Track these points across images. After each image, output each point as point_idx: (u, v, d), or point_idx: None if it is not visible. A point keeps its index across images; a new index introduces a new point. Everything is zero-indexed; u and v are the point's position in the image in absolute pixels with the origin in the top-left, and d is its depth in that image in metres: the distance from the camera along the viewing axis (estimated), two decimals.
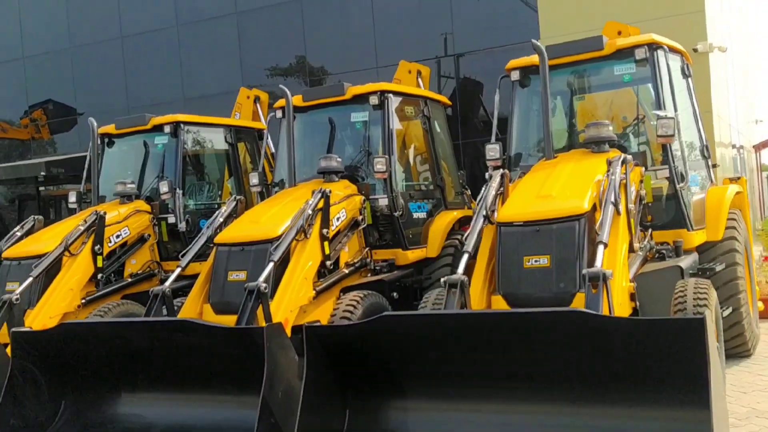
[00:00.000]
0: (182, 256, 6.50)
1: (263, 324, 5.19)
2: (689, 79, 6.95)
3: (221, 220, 6.79)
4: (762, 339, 6.96)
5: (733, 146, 14.37)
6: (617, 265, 4.71)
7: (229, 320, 5.34)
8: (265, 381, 4.19)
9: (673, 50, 6.64)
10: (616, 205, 4.82)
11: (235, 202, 7.05)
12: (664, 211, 6.20)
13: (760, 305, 7.60)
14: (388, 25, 13.24)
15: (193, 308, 6.03)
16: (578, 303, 4.56)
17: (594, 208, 5.00)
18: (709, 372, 3.22)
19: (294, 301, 5.77)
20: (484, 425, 3.99)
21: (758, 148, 21.14)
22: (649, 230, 5.88)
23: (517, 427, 3.91)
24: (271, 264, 5.56)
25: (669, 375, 3.44)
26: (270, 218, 6.29)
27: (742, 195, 7.20)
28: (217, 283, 6.07)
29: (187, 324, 4.88)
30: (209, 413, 4.69)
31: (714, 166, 7.23)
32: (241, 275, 5.91)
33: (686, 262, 5.74)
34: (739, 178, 7.54)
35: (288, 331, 5.51)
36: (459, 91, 12.38)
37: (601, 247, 4.47)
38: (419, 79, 9.86)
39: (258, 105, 11.03)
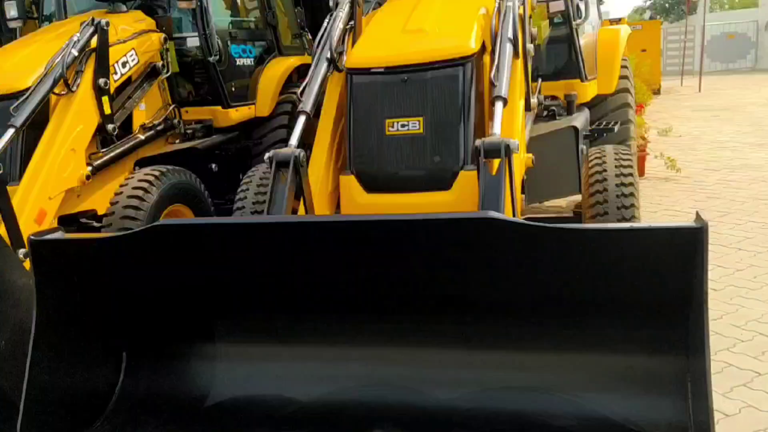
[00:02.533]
0: None
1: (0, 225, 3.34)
2: None
3: None
4: None
5: None
6: (516, 131, 3.24)
7: None
8: None
9: None
10: (514, 44, 3.27)
11: None
12: (553, 58, 4.76)
13: None
14: None
15: None
16: (464, 184, 3.08)
17: (483, 48, 3.42)
18: (705, 294, 1.91)
19: (55, 184, 3.85)
20: (321, 380, 2.51)
21: None
22: (539, 81, 4.42)
23: (375, 385, 2.46)
24: (12, 130, 3.61)
25: (644, 300, 2.08)
26: (18, 64, 4.20)
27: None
28: None
29: None
30: None
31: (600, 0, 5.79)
32: None
33: (580, 121, 4.41)
34: (620, 19, 6.24)
35: (47, 225, 3.69)
36: None
37: (499, 106, 2.92)
38: None
39: None
